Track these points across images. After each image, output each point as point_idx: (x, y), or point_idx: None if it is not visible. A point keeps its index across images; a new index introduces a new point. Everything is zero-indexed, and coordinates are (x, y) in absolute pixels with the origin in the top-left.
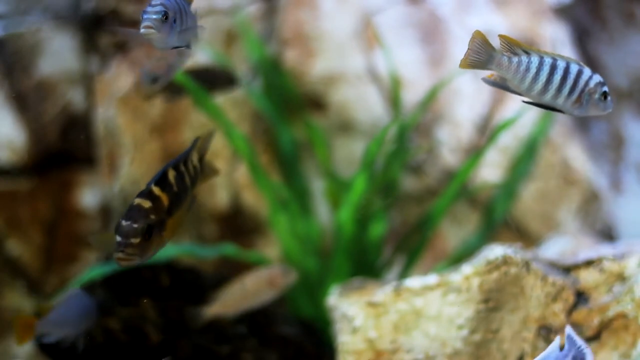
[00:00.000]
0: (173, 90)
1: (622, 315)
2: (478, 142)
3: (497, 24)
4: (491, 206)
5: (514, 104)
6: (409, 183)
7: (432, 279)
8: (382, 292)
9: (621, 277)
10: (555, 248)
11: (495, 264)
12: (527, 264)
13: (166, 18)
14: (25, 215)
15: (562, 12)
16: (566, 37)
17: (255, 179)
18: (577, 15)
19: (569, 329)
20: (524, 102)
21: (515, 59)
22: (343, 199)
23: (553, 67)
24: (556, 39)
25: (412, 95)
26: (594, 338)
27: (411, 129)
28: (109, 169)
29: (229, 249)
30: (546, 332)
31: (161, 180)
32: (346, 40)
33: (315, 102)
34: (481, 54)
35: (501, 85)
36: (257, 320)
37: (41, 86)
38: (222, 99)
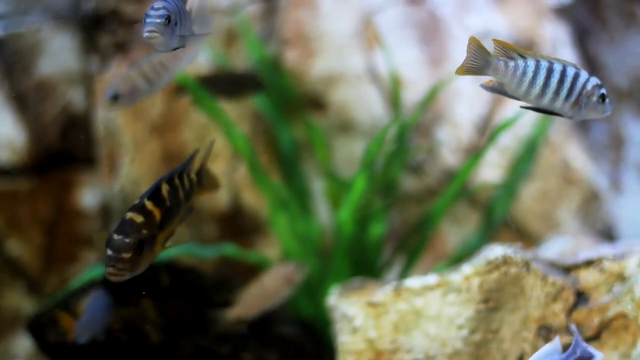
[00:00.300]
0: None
1: (622, 315)
2: (478, 142)
3: (497, 24)
4: (491, 206)
5: (513, 104)
6: (409, 183)
7: (432, 279)
8: (382, 292)
9: (621, 277)
10: (555, 248)
11: (495, 264)
12: (527, 264)
13: (169, 22)
14: (25, 215)
15: (562, 12)
16: (566, 37)
17: (255, 179)
18: (577, 15)
19: (573, 328)
20: (522, 107)
21: (511, 64)
22: (343, 199)
23: (550, 71)
24: (556, 39)
25: (412, 95)
26: (594, 338)
27: (411, 129)
28: (109, 169)
29: (229, 249)
30: (546, 332)
31: (154, 194)
32: (346, 40)
33: (315, 102)
34: (478, 59)
35: (499, 90)
36: (257, 320)
37: (41, 86)
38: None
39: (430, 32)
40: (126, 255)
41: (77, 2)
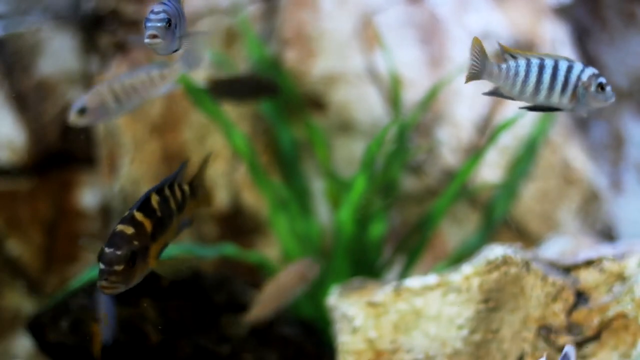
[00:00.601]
0: (217, 92)
1: (622, 315)
2: (478, 142)
3: (497, 24)
4: (491, 206)
5: (514, 104)
6: (409, 183)
7: (432, 279)
8: (382, 292)
9: (621, 277)
10: (555, 248)
11: (495, 264)
12: (527, 264)
13: (169, 25)
14: (25, 215)
15: (562, 12)
16: (566, 37)
17: (255, 179)
18: (577, 15)
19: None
20: (520, 107)
21: (504, 66)
22: (343, 199)
23: (541, 67)
24: (556, 39)
25: (412, 95)
26: (594, 338)
27: (411, 129)
28: (109, 169)
29: (229, 249)
30: (546, 332)
31: (144, 205)
32: (346, 40)
33: (315, 102)
34: (478, 64)
35: (497, 93)
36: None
37: (41, 86)
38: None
39: (430, 32)
40: (119, 268)
41: (77, 2)
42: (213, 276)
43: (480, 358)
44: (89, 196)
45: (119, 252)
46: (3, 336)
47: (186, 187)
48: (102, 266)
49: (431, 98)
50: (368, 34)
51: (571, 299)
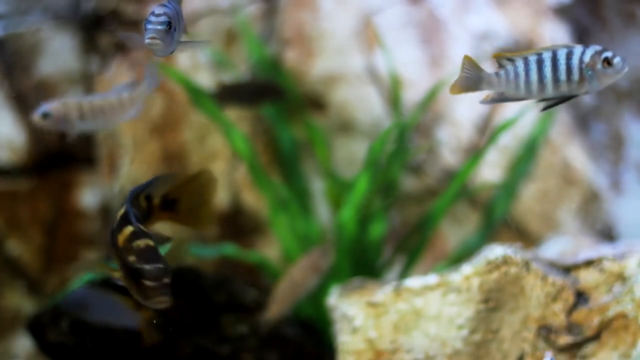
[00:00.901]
0: (223, 97)
1: (622, 315)
2: (478, 142)
3: (497, 24)
4: (491, 206)
5: (514, 104)
6: (409, 183)
7: (432, 279)
8: (382, 292)
9: (621, 277)
10: (555, 248)
11: (495, 264)
12: (527, 264)
13: (169, 28)
14: (25, 215)
15: (562, 12)
16: (566, 37)
17: (255, 179)
18: (577, 15)
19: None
20: (541, 110)
21: (502, 72)
22: (345, 199)
23: (540, 62)
24: (556, 39)
25: (412, 95)
26: (594, 338)
27: (411, 129)
28: (109, 169)
29: (229, 249)
30: (546, 332)
31: (134, 218)
32: (346, 40)
33: (315, 102)
34: (471, 77)
35: (500, 99)
36: (257, 320)
37: (41, 86)
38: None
39: (430, 32)
40: (168, 280)
41: (77, 2)
42: (213, 276)
43: (480, 358)
44: (89, 196)
45: (161, 265)
46: (3, 336)
47: (156, 200)
48: (152, 284)
49: (431, 98)
50: (368, 34)
51: (571, 299)
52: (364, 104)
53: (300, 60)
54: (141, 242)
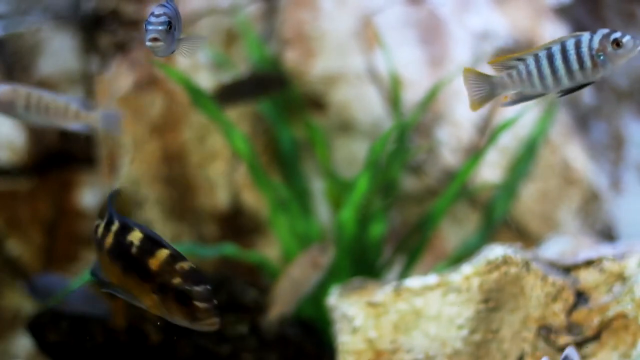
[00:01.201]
0: (224, 97)
1: (622, 315)
2: (478, 142)
3: (497, 24)
4: (491, 206)
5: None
6: (409, 183)
7: (432, 279)
8: (382, 292)
9: (621, 277)
10: (555, 248)
11: (495, 264)
12: (527, 264)
13: (170, 28)
14: (25, 215)
15: (562, 12)
16: None
17: (255, 179)
18: (577, 15)
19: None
20: (559, 96)
21: (514, 72)
22: (345, 199)
23: (550, 56)
24: None
25: (412, 95)
26: (594, 338)
27: (411, 129)
28: (109, 169)
29: (229, 249)
30: (546, 332)
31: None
32: (346, 40)
33: (315, 102)
34: (482, 88)
35: (521, 99)
36: (257, 320)
37: (41, 86)
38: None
39: (430, 32)
40: (217, 301)
41: (77, 2)
42: (213, 276)
43: (480, 358)
44: (89, 196)
45: (209, 287)
46: (3, 336)
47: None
48: (205, 305)
49: (431, 98)
50: (368, 34)
51: (571, 299)
52: (364, 104)
53: (300, 60)
54: (184, 264)
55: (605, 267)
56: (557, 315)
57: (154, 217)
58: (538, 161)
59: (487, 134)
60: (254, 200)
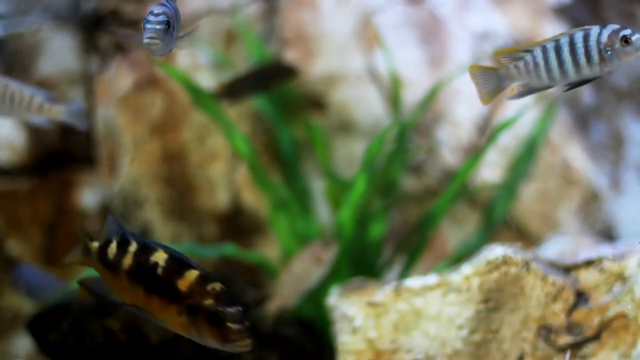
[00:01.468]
0: (228, 94)
1: (622, 315)
2: (478, 142)
3: (497, 24)
4: (491, 206)
5: (514, 104)
6: (409, 183)
7: (432, 279)
8: (382, 292)
9: (621, 277)
10: (555, 248)
11: (495, 264)
12: (527, 264)
13: (168, 27)
14: (25, 215)
15: (562, 12)
16: None
17: (255, 179)
18: (577, 15)
19: None
20: (564, 90)
21: (521, 63)
22: (344, 199)
23: (557, 48)
24: None
25: (412, 95)
26: (594, 338)
27: (411, 129)
28: (109, 169)
29: (229, 249)
30: (546, 332)
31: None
32: (346, 40)
33: (315, 102)
34: (490, 81)
35: (528, 91)
36: (257, 320)
37: (41, 86)
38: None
39: (430, 32)
40: (248, 323)
41: (77, 2)
42: (213, 276)
43: (480, 358)
44: (89, 196)
45: (242, 308)
46: (3, 336)
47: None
48: (238, 326)
49: (431, 98)
50: (368, 34)
51: (571, 299)
52: (364, 104)
53: (300, 61)
54: (216, 286)
55: (605, 267)
56: (557, 315)
57: (154, 217)
58: (538, 161)
59: (487, 133)
60: (254, 200)
